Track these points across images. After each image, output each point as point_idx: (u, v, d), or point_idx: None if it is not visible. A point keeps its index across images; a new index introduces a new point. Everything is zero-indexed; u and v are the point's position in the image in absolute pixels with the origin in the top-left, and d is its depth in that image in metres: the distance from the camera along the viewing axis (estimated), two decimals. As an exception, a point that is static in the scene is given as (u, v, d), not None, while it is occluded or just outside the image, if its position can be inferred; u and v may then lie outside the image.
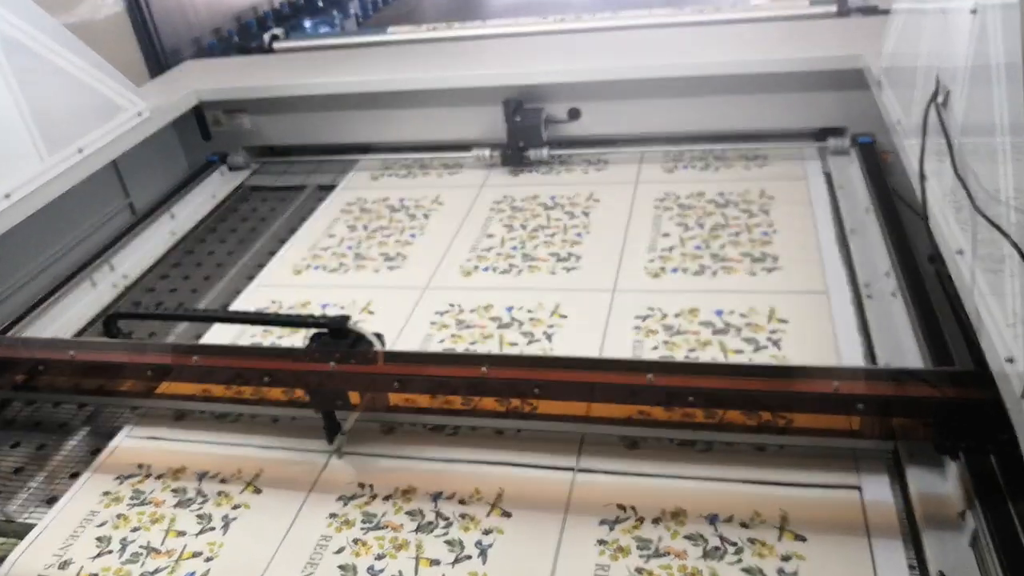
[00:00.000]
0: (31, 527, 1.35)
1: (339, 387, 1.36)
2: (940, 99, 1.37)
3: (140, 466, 1.45)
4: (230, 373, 1.43)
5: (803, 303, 1.64)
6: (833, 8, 2.54)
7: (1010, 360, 1.00)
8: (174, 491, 1.39)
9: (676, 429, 1.34)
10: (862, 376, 1.24)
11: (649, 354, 1.54)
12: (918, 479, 1.21)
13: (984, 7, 1.22)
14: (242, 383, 1.46)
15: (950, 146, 1.29)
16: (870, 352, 1.49)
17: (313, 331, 1.42)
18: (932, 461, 1.23)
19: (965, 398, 1.15)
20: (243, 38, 4.87)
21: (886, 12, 1.98)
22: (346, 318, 1.38)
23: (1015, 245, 0.99)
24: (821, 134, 2.30)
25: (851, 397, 1.19)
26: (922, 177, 1.40)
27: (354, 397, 1.38)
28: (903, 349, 1.46)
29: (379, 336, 1.38)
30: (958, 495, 1.15)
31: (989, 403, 1.08)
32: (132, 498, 1.38)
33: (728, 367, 1.39)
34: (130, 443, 1.52)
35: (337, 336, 1.37)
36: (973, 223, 1.18)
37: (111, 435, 1.55)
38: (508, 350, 1.61)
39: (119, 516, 1.35)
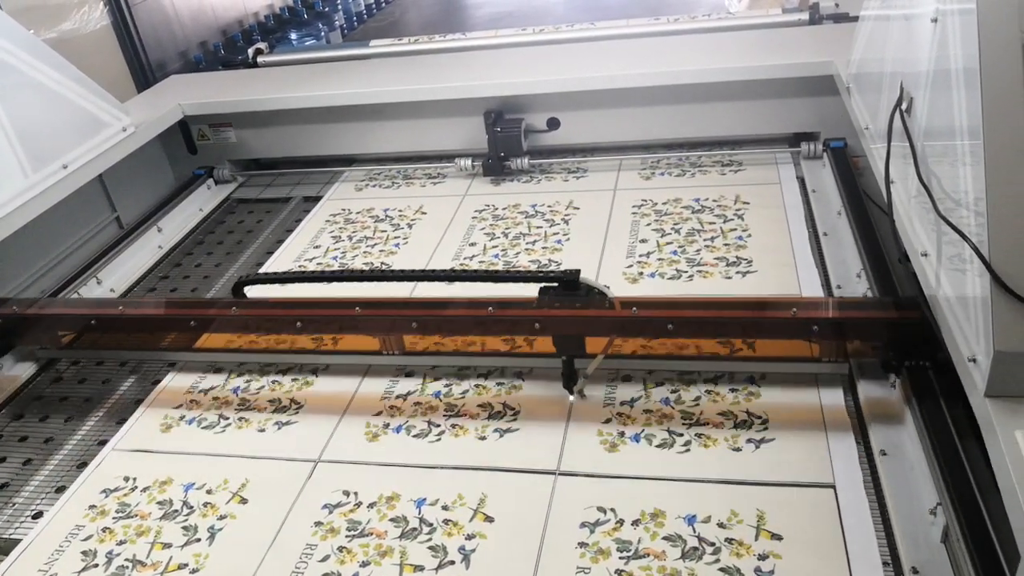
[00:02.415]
0: (16, 542, 1.35)
1: (583, 332, 1.45)
2: (904, 105, 1.41)
3: (126, 479, 1.46)
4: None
5: (778, 305, 1.67)
6: (805, 16, 2.59)
7: (972, 360, 1.02)
8: (160, 503, 1.39)
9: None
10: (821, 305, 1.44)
11: (629, 358, 1.57)
12: (888, 475, 1.24)
13: (944, 15, 1.26)
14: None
15: (913, 151, 1.32)
16: (843, 351, 1.52)
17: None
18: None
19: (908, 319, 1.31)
20: (229, 51, 4.88)
21: (856, 19, 2.01)
22: (577, 271, 1.44)
23: (975, 248, 1.01)
24: (795, 139, 2.34)
25: (808, 320, 1.38)
26: (887, 181, 1.43)
27: (589, 345, 1.46)
28: (875, 349, 1.50)
29: (607, 287, 1.46)
30: (930, 490, 1.17)
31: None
32: (118, 511, 1.39)
33: (701, 302, 1.58)
34: (116, 456, 1.53)
35: (568, 288, 1.44)
36: (937, 226, 1.21)
37: (98, 448, 1.56)
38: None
39: (105, 529, 1.36)
